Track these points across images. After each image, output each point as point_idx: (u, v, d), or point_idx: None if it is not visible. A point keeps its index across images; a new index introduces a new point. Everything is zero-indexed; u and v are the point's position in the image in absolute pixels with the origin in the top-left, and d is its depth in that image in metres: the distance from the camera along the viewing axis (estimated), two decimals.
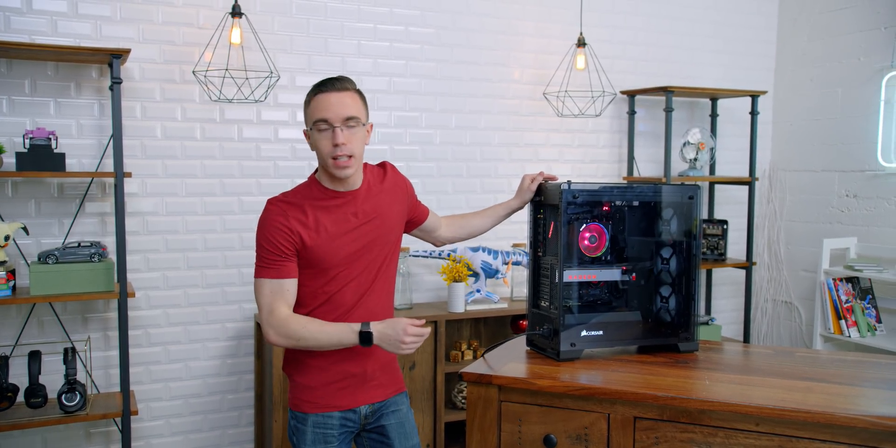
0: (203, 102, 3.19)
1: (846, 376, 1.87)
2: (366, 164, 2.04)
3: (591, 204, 2.07)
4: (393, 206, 2.03)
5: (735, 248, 4.36)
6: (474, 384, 1.89)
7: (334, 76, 1.93)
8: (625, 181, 4.05)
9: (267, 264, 1.87)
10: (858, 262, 3.82)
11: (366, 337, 1.84)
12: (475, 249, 3.49)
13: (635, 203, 2.12)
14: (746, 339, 4.23)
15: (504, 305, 3.49)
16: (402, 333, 1.82)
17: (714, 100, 4.25)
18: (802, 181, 4.35)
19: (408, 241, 3.60)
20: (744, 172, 4.34)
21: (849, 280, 3.84)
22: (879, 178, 3.93)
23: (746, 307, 4.19)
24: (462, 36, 3.67)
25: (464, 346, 3.53)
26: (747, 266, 4.13)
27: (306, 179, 2.00)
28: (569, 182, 2.01)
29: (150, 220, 3.15)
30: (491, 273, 3.49)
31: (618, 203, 2.10)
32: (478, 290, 3.49)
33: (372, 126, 2.00)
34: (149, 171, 3.13)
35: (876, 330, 3.79)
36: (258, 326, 3.29)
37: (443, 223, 2.26)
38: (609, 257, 2.10)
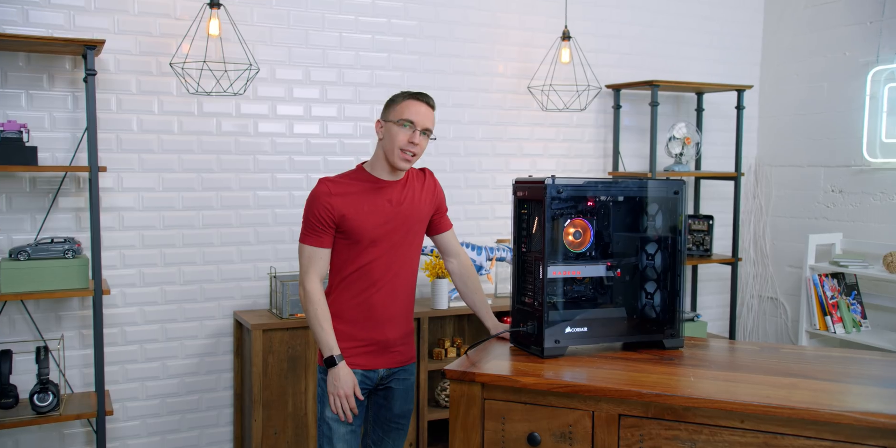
0: (180, 95, 3.16)
1: (831, 373, 1.89)
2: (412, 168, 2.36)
3: (575, 199, 2.07)
4: (423, 201, 2.31)
5: (721, 243, 4.38)
6: (457, 382, 1.89)
7: (426, 93, 2.26)
8: (610, 176, 4.06)
9: (309, 232, 2.20)
10: (844, 257, 3.86)
11: (329, 363, 2.16)
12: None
13: (620, 198, 2.13)
14: (732, 335, 4.26)
15: (488, 302, 3.48)
16: (342, 392, 2.15)
17: (700, 94, 4.27)
18: (788, 176, 4.38)
19: None
20: (729, 167, 4.37)
21: (834, 276, 3.87)
22: (865, 174, 3.96)
23: (732, 303, 4.21)
24: (445, 28, 3.66)
25: (447, 344, 3.53)
26: (733, 262, 4.16)
27: (353, 167, 2.31)
28: (553, 177, 2.00)
29: (125, 215, 3.11)
30: (475, 269, 3.49)
31: (602, 198, 2.11)
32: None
33: (433, 139, 2.33)
34: (125, 166, 3.10)
35: (861, 326, 3.83)
36: (237, 324, 3.27)
37: (456, 262, 2.43)
38: (594, 253, 2.10)
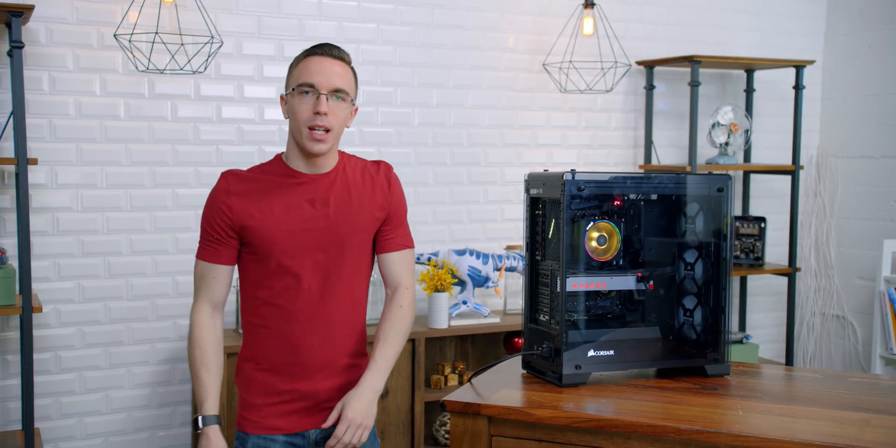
0: (128, 73, 3.16)
1: None
2: (352, 156, 2.14)
3: (599, 197, 2.06)
4: (365, 203, 2.07)
5: (775, 251, 4.37)
6: (459, 415, 1.88)
7: (330, 43, 2.05)
8: (641, 170, 4.06)
9: (202, 244, 2.05)
10: None
11: (195, 424, 2.03)
12: (461, 252, 3.48)
13: (653, 196, 2.12)
14: (789, 360, 4.25)
15: (496, 320, 3.48)
16: None
17: (750, 72, 4.26)
18: (858, 170, 4.37)
19: None
20: (786, 159, 4.36)
21: None
22: None
23: (789, 322, 4.20)
24: None
25: (447, 370, 3.52)
26: (790, 273, 4.15)
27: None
28: (573, 171, 2.00)
29: (61, 217, 3.11)
30: (480, 281, 3.48)
31: (632, 196, 2.10)
32: (464, 302, 3.48)
33: (357, 109, 2.10)
34: (59, 158, 3.10)
35: None
36: None
37: (389, 295, 2.15)
38: (621, 262, 2.10)
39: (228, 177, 2.03)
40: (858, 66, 4.38)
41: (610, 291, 2.10)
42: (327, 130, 1.96)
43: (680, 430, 1.70)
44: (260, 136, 3.38)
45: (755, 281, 4.44)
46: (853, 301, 4.40)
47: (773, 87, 4.38)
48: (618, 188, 2.08)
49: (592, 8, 3.75)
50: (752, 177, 4.38)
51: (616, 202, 2.09)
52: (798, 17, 4.45)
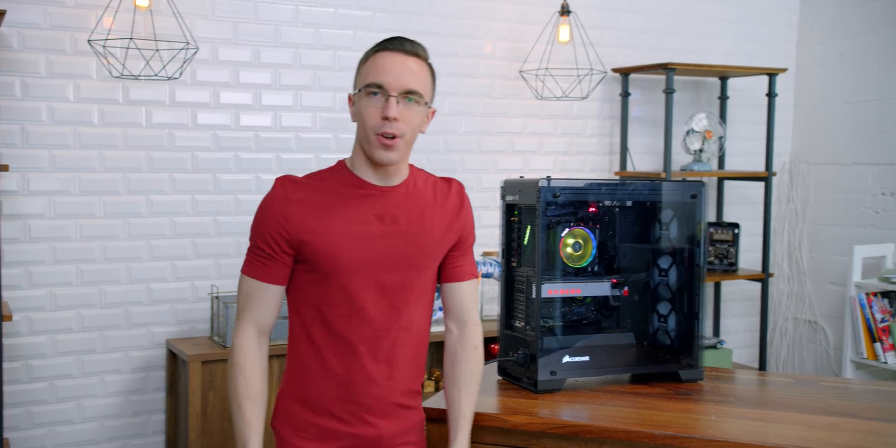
0: (102, 79, 3.14)
1: (882, 411, 1.90)
2: (421, 169, 1.91)
3: (575, 204, 2.08)
4: (438, 224, 1.83)
5: (749, 256, 4.41)
6: (435, 422, 1.89)
7: (407, 38, 1.78)
8: (617, 177, 4.08)
9: (252, 259, 1.77)
10: None
11: None
12: None
13: (628, 203, 2.14)
14: (762, 365, 4.28)
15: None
16: None
17: (724, 79, 4.30)
18: (829, 176, 4.42)
19: None
20: (759, 166, 4.40)
21: (885, 295, 3.91)
22: None
23: (762, 328, 4.24)
24: (422, 1, 3.67)
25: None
26: (763, 278, 4.18)
27: (333, 164, 1.85)
28: (548, 178, 2.01)
29: (33, 224, 3.08)
30: None
31: (607, 203, 2.12)
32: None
33: (434, 112, 1.84)
34: (32, 164, 3.07)
35: None
36: (171, 355, 3.24)
37: (457, 332, 1.93)
38: (597, 268, 2.11)
39: (286, 183, 1.76)
40: (830, 74, 4.44)
41: (585, 297, 2.12)
42: (395, 136, 1.71)
43: (653, 436, 1.72)
44: (236, 143, 3.37)
45: (729, 286, 4.47)
46: (825, 306, 4.45)
47: (747, 94, 4.42)
48: (593, 195, 2.10)
49: (569, 15, 3.77)
50: (726, 183, 4.42)
51: (591, 209, 2.11)
52: (771, 26, 4.50)
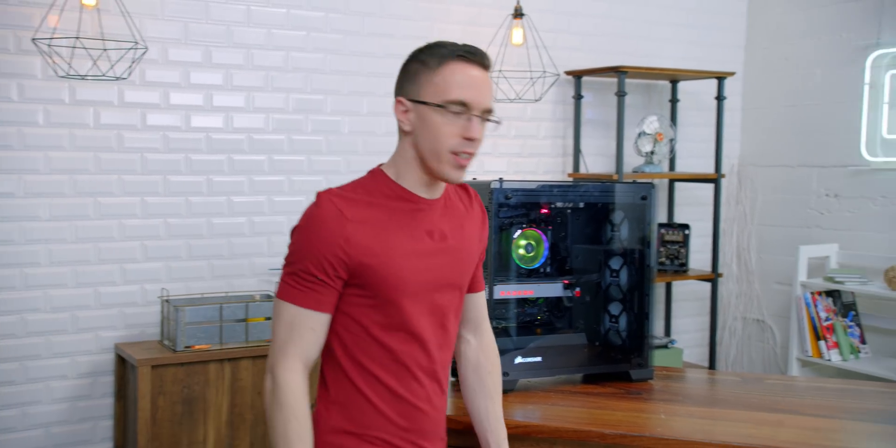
0: (47, 79, 3.09)
1: (824, 407, 1.94)
2: None
3: (527, 206, 2.09)
4: (473, 240, 1.74)
5: (699, 257, 4.47)
6: None
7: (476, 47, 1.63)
8: (570, 178, 4.11)
9: (298, 284, 1.56)
10: (840, 272, 3.98)
11: None
12: None
13: (580, 205, 2.16)
14: (712, 364, 4.34)
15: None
16: None
17: (675, 82, 4.36)
18: (776, 178, 4.51)
19: None
20: (708, 168, 4.47)
21: (829, 294, 3.99)
22: (863, 175, 4.10)
23: (712, 327, 4.30)
24: (375, 3, 3.66)
25: None
26: (713, 278, 4.25)
27: (367, 173, 1.68)
28: (500, 180, 2.02)
29: None
30: None
31: (559, 205, 2.14)
32: None
33: None
34: None
35: (860, 352, 3.95)
36: (120, 359, 3.19)
37: (474, 343, 1.85)
38: (549, 269, 2.13)
39: (334, 199, 1.57)
40: (776, 77, 4.52)
41: (537, 298, 2.13)
42: (469, 155, 1.60)
43: (604, 435, 1.73)
44: (186, 145, 3.33)
45: (679, 286, 4.53)
46: (772, 305, 4.53)
47: (697, 97, 4.49)
48: (545, 196, 2.11)
49: (522, 18, 3.79)
50: (677, 185, 4.48)
51: (543, 210, 2.12)
52: (720, 31, 4.58)
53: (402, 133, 1.64)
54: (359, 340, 1.60)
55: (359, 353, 1.60)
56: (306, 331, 1.56)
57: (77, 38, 2.97)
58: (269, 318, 3.18)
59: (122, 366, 3.19)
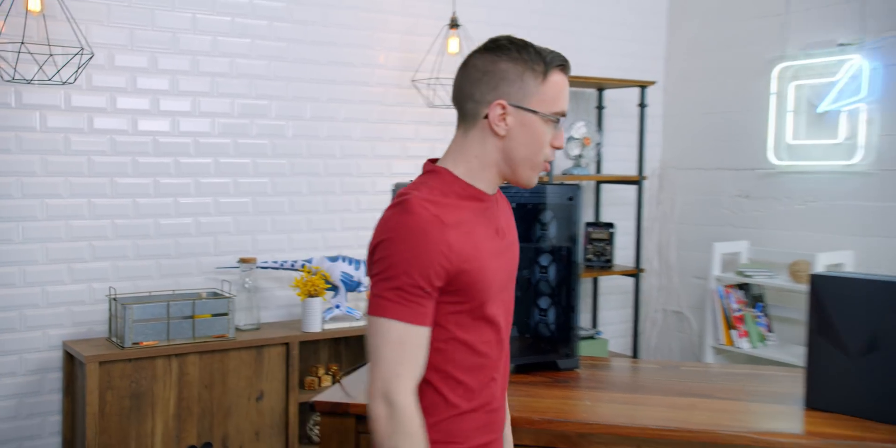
0: None
1: (733, 391, 2.00)
2: None
3: None
4: (515, 232, 1.65)
5: (623, 253, 4.55)
6: (328, 415, 1.88)
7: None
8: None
9: (402, 299, 1.36)
10: (749, 267, 4.09)
11: None
12: (334, 259, 3.47)
13: (512, 205, 2.18)
14: (635, 353, 4.42)
15: None
16: None
17: (601, 90, 4.43)
18: (694, 180, 4.61)
19: (256, 250, 3.53)
20: (632, 171, 4.55)
21: (740, 287, 4.10)
22: (771, 177, 4.22)
23: (635, 318, 4.38)
24: (317, 12, 3.64)
25: (321, 371, 3.50)
26: (636, 273, 4.32)
27: (425, 173, 1.53)
28: None
29: None
30: (352, 286, 3.48)
31: None
32: (337, 306, 3.47)
33: None
34: None
35: (767, 340, 4.06)
36: (68, 356, 3.12)
37: None
38: None
39: (426, 204, 1.40)
40: (693, 87, 4.62)
41: None
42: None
43: (533, 421, 1.75)
44: (133, 148, 3.27)
45: (605, 281, 4.60)
46: (689, 298, 4.63)
47: (621, 104, 4.56)
48: None
49: (457, 28, 3.81)
50: (603, 186, 4.55)
51: None
52: (642, 43, 4.66)
53: (491, 135, 1.48)
54: (444, 347, 1.45)
55: (442, 360, 1.46)
56: (416, 349, 1.38)
57: (22, 43, 2.89)
58: (215, 315, 3.14)
59: (71, 362, 3.12)
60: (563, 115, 1.50)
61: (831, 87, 3.89)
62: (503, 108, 1.46)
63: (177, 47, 3.33)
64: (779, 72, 4.13)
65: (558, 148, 1.51)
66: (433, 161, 1.55)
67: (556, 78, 1.49)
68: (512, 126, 1.47)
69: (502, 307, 1.51)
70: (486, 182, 1.51)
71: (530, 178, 1.51)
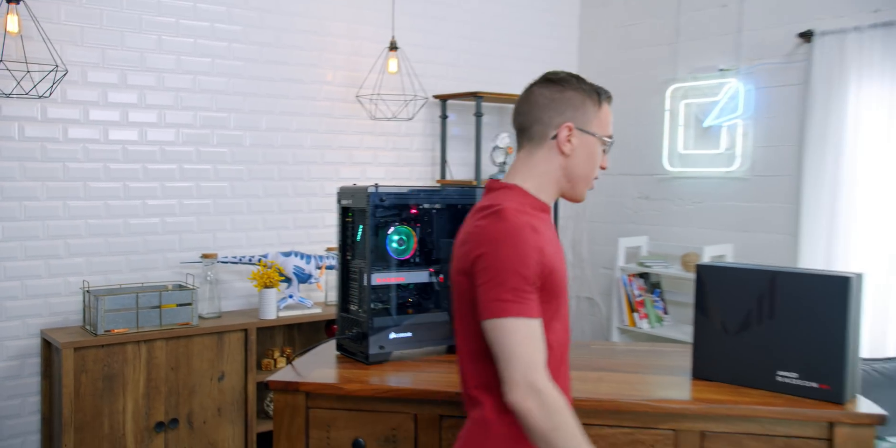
0: None
1: (634, 365, 2.04)
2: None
3: (399, 207, 2.11)
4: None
5: None
6: (281, 392, 1.86)
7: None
8: (438, 184, 4.16)
9: (520, 298, 1.35)
10: (648, 259, 4.19)
11: None
12: (287, 254, 3.44)
13: (443, 206, 2.19)
14: None
15: (318, 310, 3.46)
16: None
17: None
18: (603, 184, 4.69)
19: (217, 246, 3.47)
20: None
21: (641, 276, 4.19)
22: (665, 182, 4.32)
23: None
24: (271, 34, 3.60)
25: (276, 354, 3.46)
26: None
27: (498, 190, 1.53)
28: (376, 185, 2.03)
29: None
30: (304, 278, 3.45)
31: (426, 206, 2.16)
32: (290, 296, 3.44)
33: None
34: None
35: (663, 320, 4.17)
36: (46, 343, 3.02)
37: None
38: (418, 260, 2.15)
39: (519, 215, 1.41)
40: None
41: (409, 284, 2.15)
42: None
43: (460, 394, 1.76)
44: (105, 155, 3.19)
45: None
46: (599, 286, 4.71)
47: None
48: (413, 199, 2.13)
49: (396, 50, 3.81)
50: None
51: (412, 210, 2.14)
52: (557, 64, 4.71)
53: (557, 154, 1.51)
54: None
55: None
56: (541, 339, 1.37)
57: (1, 61, 2.79)
58: (180, 305, 3.08)
59: (48, 349, 3.03)
60: (611, 138, 1.56)
61: (714, 105, 4.01)
62: (570, 130, 1.51)
63: (144, 65, 3.26)
64: (671, 92, 4.24)
65: (603, 168, 1.57)
66: (496, 181, 1.55)
67: (607, 107, 1.56)
68: (576, 146, 1.51)
69: (567, 311, 1.52)
70: (549, 196, 1.54)
71: (583, 194, 1.57)
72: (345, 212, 2.14)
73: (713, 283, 1.87)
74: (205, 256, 3.33)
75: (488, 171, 4.31)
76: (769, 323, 1.78)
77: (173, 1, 3.31)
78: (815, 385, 1.72)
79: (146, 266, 3.31)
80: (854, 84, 3.43)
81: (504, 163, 4.20)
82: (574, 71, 4.76)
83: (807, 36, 3.64)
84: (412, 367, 1.98)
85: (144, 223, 3.30)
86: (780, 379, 1.77)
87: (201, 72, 3.41)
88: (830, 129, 3.50)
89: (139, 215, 3.29)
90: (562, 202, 4.69)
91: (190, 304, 3.11)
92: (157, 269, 3.34)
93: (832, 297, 1.70)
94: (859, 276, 1.74)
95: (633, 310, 4.11)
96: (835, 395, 1.70)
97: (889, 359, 2.99)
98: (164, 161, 3.33)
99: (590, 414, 1.73)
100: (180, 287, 3.24)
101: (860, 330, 1.75)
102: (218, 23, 3.43)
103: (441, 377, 1.88)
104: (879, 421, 1.65)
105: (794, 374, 1.75)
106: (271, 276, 3.30)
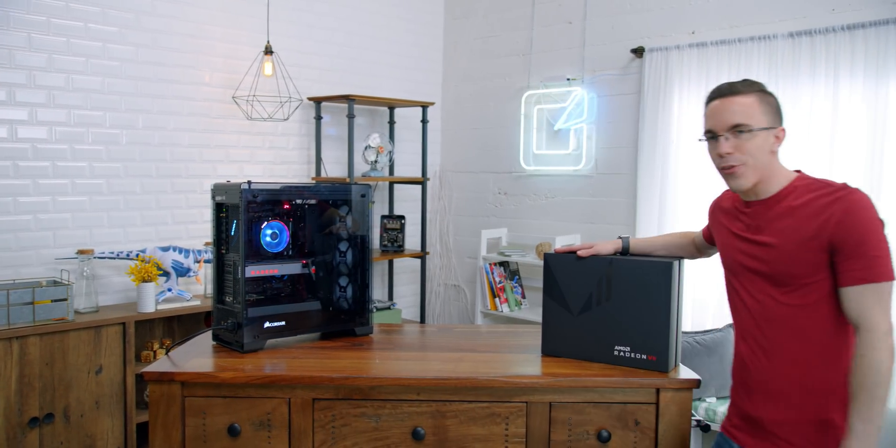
0: None
1: (492, 345, 2.08)
2: (814, 180, 1.60)
3: (272, 202, 2.04)
4: (798, 233, 1.56)
5: (412, 240, 4.61)
6: (156, 383, 1.77)
7: (734, 81, 1.64)
8: (313, 181, 4.07)
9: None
10: (508, 248, 4.28)
11: None
12: (165, 249, 3.26)
13: (315, 201, 2.14)
14: (423, 319, 4.50)
15: (197, 303, 3.31)
16: None
17: (391, 108, 4.45)
18: (466, 181, 4.76)
19: (94, 242, 3.24)
20: (418, 173, 4.62)
21: (501, 264, 4.28)
22: (522, 179, 4.44)
23: (422, 292, 4.46)
24: (148, 36, 3.38)
25: (156, 346, 3.28)
26: (422, 255, 4.40)
27: (806, 175, 1.62)
28: (248, 182, 1.96)
29: None
30: (182, 271, 3.29)
31: (298, 201, 2.10)
32: (169, 289, 3.26)
33: (783, 131, 1.62)
34: None
35: (522, 304, 4.28)
36: None
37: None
38: (291, 252, 2.09)
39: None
40: (464, 107, 4.76)
41: (282, 275, 2.09)
42: (733, 167, 1.59)
43: (332, 379, 1.74)
44: (13, 153, 2.92)
45: (399, 263, 4.65)
46: (464, 274, 4.78)
47: (408, 120, 4.61)
48: (285, 195, 2.07)
49: (272, 55, 3.68)
50: (395, 186, 4.58)
51: (285, 206, 2.08)
52: (424, 71, 4.74)
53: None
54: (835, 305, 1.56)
55: (838, 317, 1.56)
56: None
57: None
58: (55, 300, 2.85)
59: None
60: (709, 131, 1.63)
61: (563, 110, 4.15)
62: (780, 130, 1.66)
63: (13, 63, 2.98)
64: (526, 98, 4.35)
65: (719, 154, 1.62)
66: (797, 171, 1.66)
67: (705, 109, 1.66)
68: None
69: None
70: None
71: (727, 182, 1.65)
72: (219, 208, 2.05)
73: (559, 269, 1.93)
74: (80, 252, 3.10)
75: (361, 168, 4.27)
76: (607, 304, 1.86)
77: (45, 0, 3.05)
78: (644, 357, 1.82)
79: (18, 263, 3.04)
80: (677, 93, 3.65)
81: (376, 161, 4.17)
82: (439, 77, 4.85)
83: (639, 52, 3.83)
84: (286, 354, 1.93)
85: (16, 220, 3.02)
86: (616, 353, 1.85)
87: (75, 71, 3.16)
88: (658, 132, 3.70)
89: (10, 212, 3.01)
90: (429, 197, 4.73)
91: (65, 299, 2.88)
92: (30, 265, 3.08)
93: (658, 279, 1.80)
94: (680, 261, 1.85)
95: (494, 295, 4.20)
96: (661, 364, 1.80)
97: (707, 331, 3.21)
98: (36, 158, 3.07)
99: (450, 391, 1.75)
100: (55, 283, 3.00)
101: (682, 307, 1.86)
102: (91, 23, 3.19)
103: (313, 363, 1.85)
104: (695, 385, 1.76)
105: (627, 348, 1.84)
106: (149, 270, 3.12)
